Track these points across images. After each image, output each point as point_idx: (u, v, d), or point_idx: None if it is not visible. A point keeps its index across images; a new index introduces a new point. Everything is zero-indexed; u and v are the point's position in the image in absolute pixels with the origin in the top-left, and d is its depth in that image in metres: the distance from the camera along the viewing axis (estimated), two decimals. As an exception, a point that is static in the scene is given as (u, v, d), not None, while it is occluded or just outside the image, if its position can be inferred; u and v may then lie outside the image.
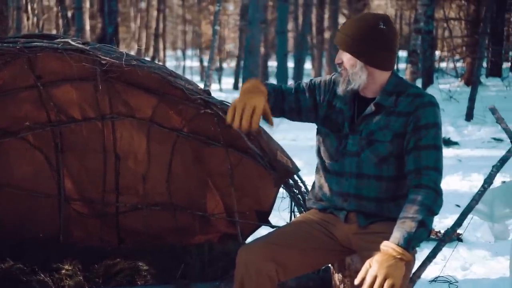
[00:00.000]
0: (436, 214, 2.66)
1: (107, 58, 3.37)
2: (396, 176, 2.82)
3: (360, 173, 2.84)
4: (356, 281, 2.55)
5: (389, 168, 2.81)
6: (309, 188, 3.22)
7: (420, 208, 2.59)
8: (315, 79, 3.07)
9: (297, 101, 3.01)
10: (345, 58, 2.81)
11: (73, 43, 3.39)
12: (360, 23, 2.78)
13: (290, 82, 3.13)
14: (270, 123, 2.78)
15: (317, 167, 3.05)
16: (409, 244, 2.54)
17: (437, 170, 2.70)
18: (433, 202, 2.63)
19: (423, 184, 2.66)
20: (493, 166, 3.15)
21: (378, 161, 2.81)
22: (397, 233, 2.56)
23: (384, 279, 2.47)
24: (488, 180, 3.13)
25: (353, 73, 2.79)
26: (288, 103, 3.00)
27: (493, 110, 3.13)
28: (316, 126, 3.04)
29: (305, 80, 3.09)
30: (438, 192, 2.66)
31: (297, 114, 3.03)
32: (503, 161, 3.15)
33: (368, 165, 2.82)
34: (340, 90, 2.85)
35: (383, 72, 2.82)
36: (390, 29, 2.77)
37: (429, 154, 2.71)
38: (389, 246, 2.54)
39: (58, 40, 3.43)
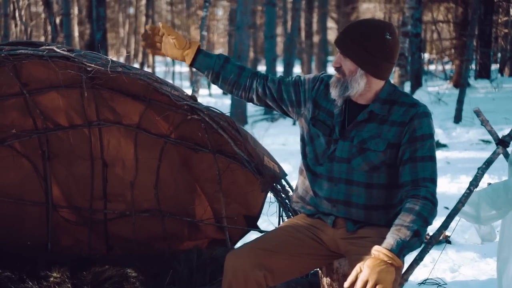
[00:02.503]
0: (430, 224, 2.66)
1: (93, 65, 3.35)
2: (387, 184, 2.82)
3: (349, 179, 2.83)
4: (346, 285, 2.55)
5: (380, 176, 2.81)
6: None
7: (417, 218, 2.59)
8: (302, 76, 3.04)
9: (279, 91, 3.01)
10: (346, 63, 2.76)
11: (58, 50, 3.37)
12: (366, 30, 2.73)
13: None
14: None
15: (300, 168, 3.03)
16: (401, 251, 2.54)
17: (433, 182, 2.71)
18: (429, 213, 2.62)
19: (421, 196, 2.65)
20: (478, 168, 3.16)
21: (369, 169, 2.80)
22: (391, 239, 2.56)
23: (375, 284, 2.47)
24: (474, 182, 3.14)
25: (352, 79, 2.74)
26: (267, 88, 3.02)
27: (478, 113, 3.14)
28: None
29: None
30: (434, 204, 2.66)
31: (276, 101, 3.04)
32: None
33: (358, 172, 2.81)
34: (334, 94, 2.80)
35: (381, 81, 2.80)
36: (394, 40, 2.74)
37: (426, 166, 2.70)
38: (381, 251, 2.53)
39: (43, 47, 3.42)
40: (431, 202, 2.65)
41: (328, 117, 2.89)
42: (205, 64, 3.03)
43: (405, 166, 2.73)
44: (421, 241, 2.62)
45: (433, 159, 2.74)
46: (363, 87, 2.76)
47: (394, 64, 2.79)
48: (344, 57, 2.76)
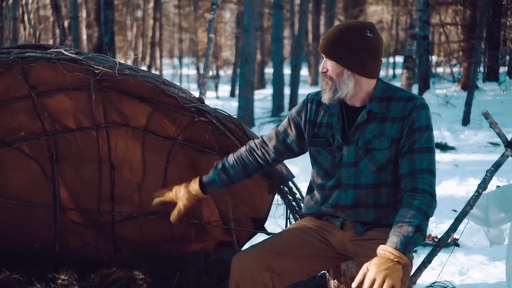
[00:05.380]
0: (431, 217, 2.67)
1: (100, 68, 3.37)
2: (394, 181, 2.82)
3: (357, 183, 2.83)
4: (354, 285, 2.55)
5: (388, 175, 2.81)
6: (304, 194, 3.21)
7: (416, 213, 2.60)
8: (291, 113, 3.07)
9: (283, 142, 3.06)
10: (331, 66, 2.77)
11: (66, 53, 3.39)
12: (347, 31, 2.75)
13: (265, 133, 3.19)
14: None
15: (309, 187, 3.05)
16: (406, 248, 2.54)
17: (431, 173, 2.71)
18: (428, 206, 2.64)
19: (419, 188, 2.67)
20: (487, 171, 3.15)
21: (377, 169, 2.80)
22: (394, 237, 2.56)
23: (383, 281, 2.47)
24: (483, 185, 3.13)
25: (340, 81, 2.76)
26: (272, 149, 3.09)
27: (486, 115, 3.13)
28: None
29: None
30: (432, 195, 2.68)
31: (289, 153, 3.11)
32: (497, 165, 3.15)
33: (366, 174, 2.81)
34: (325, 98, 2.82)
35: (370, 79, 2.81)
36: (376, 37, 2.76)
37: (423, 157, 2.72)
38: (386, 250, 2.53)
39: (51, 50, 3.43)
40: (429, 194, 2.66)
41: (328, 130, 2.90)
42: (214, 186, 3.18)
43: (403, 158, 2.75)
44: (424, 235, 2.62)
45: (430, 150, 2.75)
46: (352, 87, 2.77)
47: (380, 61, 2.81)
48: (330, 61, 2.78)
